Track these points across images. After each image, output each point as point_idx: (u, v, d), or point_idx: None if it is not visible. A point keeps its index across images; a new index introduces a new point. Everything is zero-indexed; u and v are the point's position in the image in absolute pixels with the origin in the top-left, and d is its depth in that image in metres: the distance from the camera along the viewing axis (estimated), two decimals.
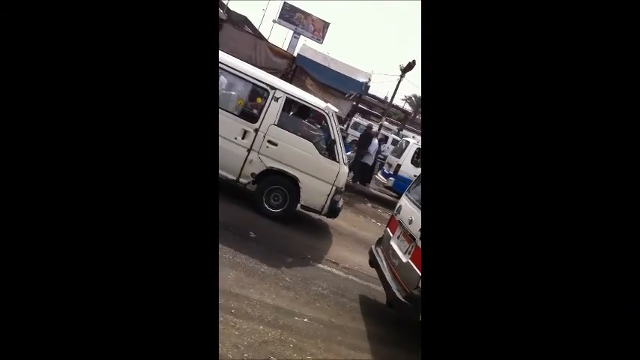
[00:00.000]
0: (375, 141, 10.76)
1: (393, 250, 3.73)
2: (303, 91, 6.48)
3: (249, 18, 14.64)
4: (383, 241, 4.17)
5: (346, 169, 5.79)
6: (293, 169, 5.52)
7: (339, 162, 5.58)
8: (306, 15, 22.58)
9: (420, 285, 3.11)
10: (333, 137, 5.60)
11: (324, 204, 5.60)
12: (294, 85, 7.28)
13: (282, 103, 5.52)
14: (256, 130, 5.46)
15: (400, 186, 10.29)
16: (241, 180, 5.57)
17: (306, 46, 13.39)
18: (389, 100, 18.87)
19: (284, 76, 9.16)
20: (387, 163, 11.15)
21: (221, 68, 5.54)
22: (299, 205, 5.69)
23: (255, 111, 5.69)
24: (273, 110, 5.48)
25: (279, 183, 5.59)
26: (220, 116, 5.35)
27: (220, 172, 5.48)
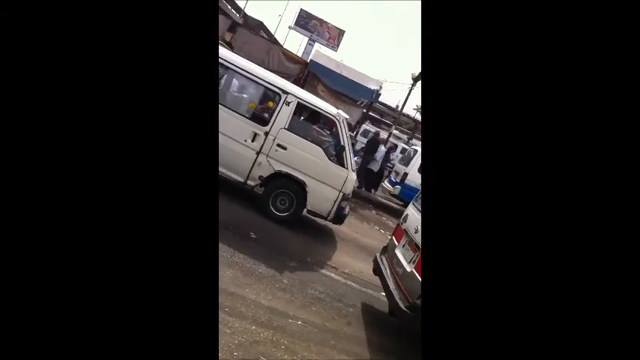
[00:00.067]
0: (382, 148, 10.75)
1: (398, 259, 3.71)
2: (315, 97, 6.49)
3: (265, 23, 14.77)
4: (388, 250, 4.15)
5: (354, 175, 5.78)
6: (301, 174, 5.52)
7: (347, 168, 5.57)
8: (322, 22, 22.69)
9: None
10: (342, 143, 5.60)
11: (331, 210, 5.59)
12: (306, 90, 7.31)
13: (294, 107, 5.53)
14: (266, 134, 5.47)
15: (406, 194, 10.25)
16: (249, 182, 5.57)
17: (319, 52, 13.46)
18: (400, 108, 18.86)
19: (296, 81, 9.20)
20: (395, 171, 11.13)
21: (234, 70, 5.58)
22: (305, 210, 5.68)
23: (266, 114, 5.70)
24: (284, 114, 5.49)
25: (287, 187, 5.59)
26: (231, 118, 5.43)
27: (228, 173, 5.50)
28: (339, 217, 5.72)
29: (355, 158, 8.05)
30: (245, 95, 6.05)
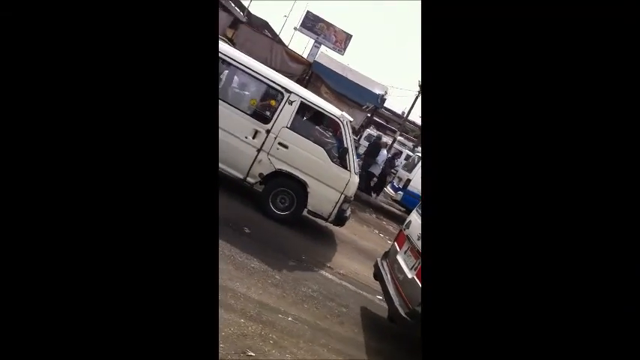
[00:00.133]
0: (384, 152, 10.71)
1: (399, 265, 3.68)
2: (319, 97, 6.45)
3: (269, 23, 14.82)
4: (389, 255, 4.11)
5: (357, 178, 5.73)
6: (302, 174, 5.47)
7: (350, 171, 5.53)
8: (329, 25, 22.71)
9: None
10: (345, 146, 5.56)
11: (332, 211, 5.54)
12: (309, 91, 7.26)
13: (297, 106, 5.49)
14: (268, 131, 5.43)
15: (408, 200, 10.20)
16: (249, 179, 5.52)
17: (323, 53, 13.48)
18: (405, 115, 18.86)
19: (299, 82, 9.21)
20: (398, 177, 11.10)
21: (236, 67, 5.55)
22: (306, 210, 5.64)
23: (268, 112, 5.66)
24: (286, 113, 5.45)
25: (287, 186, 5.54)
26: (232, 114, 5.38)
27: (228, 170, 5.46)
28: (340, 219, 5.67)
29: (357, 160, 8.03)
30: (247, 92, 6.03)
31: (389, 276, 3.80)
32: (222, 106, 5.31)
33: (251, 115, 5.53)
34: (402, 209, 10.77)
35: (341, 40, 23.51)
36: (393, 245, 4.14)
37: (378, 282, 5.05)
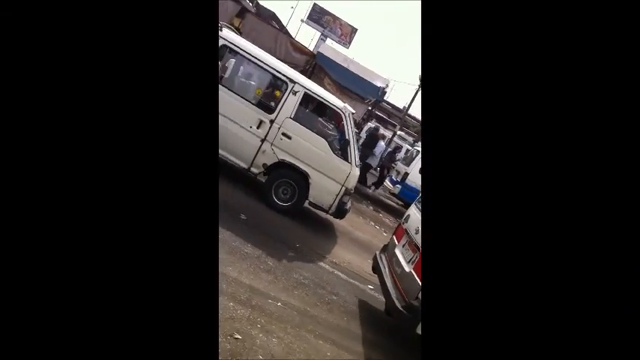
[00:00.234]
0: (382, 143, 10.66)
1: (397, 259, 3.68)
2: (322, 89, 6.40)
3: (277, 14, 14.74)
4: (388, 249, 4.12)
5: (357, 171, 5.72)
6: (304, 165, 5.46)
7: (350, 163, 5.51)
8: (335, 18, 22.66)
9: (419, 296, 3.07)
10: (347, 138, 5.54)
11: (332, 203, 5.54)
12: (312, 81, 7.26)
13: (300, 97, 5.46)
14: (272, 121, 5.40)
15: (406, 194, 10.21)
16: (252, 169, 5.51)
17: (326, 45, 13.42)
18: (406, 109, 18.78)
19: (302, 72, 9.17)
20: (396, 170, 11.10)
21: (243, 56, 5.50)
22: (307, 202, 5.63)
23: (272, 102, 5.63)
24: (290, 103, 5.42)
25: (290, 177, 5.53)
26: (237, 103, 5.35)
27: (233, 159, 5.44)
28: (340, 212, 5.66)
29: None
30: (253, 81, 6.00)
31: (387, 269, 3.80)
32: (229, 95, 5.28)
33: (256, 105, 5.50)
34: (400, 203, 10.77)
35: (346, 34, 23.43)
36: (391, 239, 4.15)
37: (372, 273, 5.09)
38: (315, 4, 22.32)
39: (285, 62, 7.24)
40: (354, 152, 5.57)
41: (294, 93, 5.44)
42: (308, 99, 5.75)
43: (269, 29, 9.68)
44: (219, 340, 2.61)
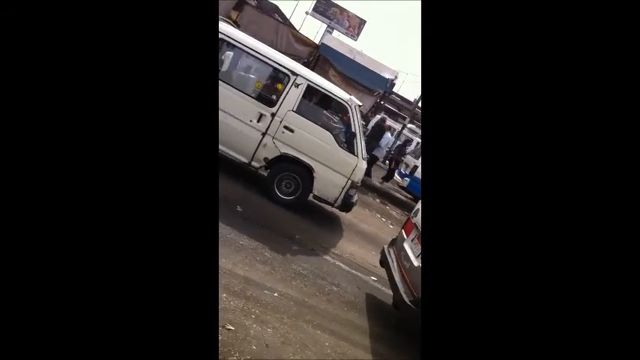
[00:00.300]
0: (388, 134, 10.50)
1: (406, 253, 3.65)
2: (326, 81, 6.27)
3: (280, 7, 14.69)
4: (396, 243, 4.07)
5: (364, 164, 5.61)
6: (308, 158, 5.35)
7: (357, 156, 5.40)
8: (342, 10, 22.48)
9: None
10: (353, 130, 5.42)
11: (338, 196, 5.43)
12: (316, 74, 7.19)
13: (303, 90, 5.35)
14: (273, 115, 5.30)
15: (415, 187, 10.09)
16: (253, 163, 5.42)
17: (331, 36, 13.33)
18: (415, 102, 18.62)
19: (305, 64, 9.11)
20: (405, 163, 10.99)
21: (241, 49, 5.41)
22: (311, 195, 5.54)
23: (274, 95, 5.52)
24: (292, 96, 5.32)
25: (293, 170, 5.43)
26: (236, 97, 5.25)
27: (232, 154, 5.36)
28: (346, 205, 5.56)
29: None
30: (252, 75, 5.94)
31: (395, 263, 3.78)
32: (226, 89, 5.18)
33: (256, 98, 5.40)
34: (409, 196, 10.68)
35: (354, 26, 23.25)
36: (400, 233, 4.10)
37: (375, 265, 5.04)
38: None
39: (287, 54, 7.19)
40: (360, 145, 5.45)
41: (297, 85, 5.33)
42: (312, 91, 5.63)
43: (269, 21, 9.61)
44: None
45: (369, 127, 11.93)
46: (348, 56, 11.11)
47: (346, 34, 22.08)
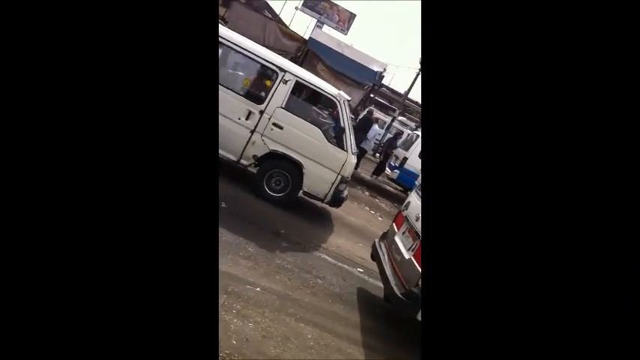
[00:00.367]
0: (376, 127, 10.42)
1: (397, 246, 3.65)
2: (315, 76, 6.23)
3: (269, 3, 14.61)
4: (387, 236, 4.07)
5: (354, 158, 5.60)
6: (298, 154, 5.34)
7: (346, 151, 5.38)
8: (332, 5, 22.36)
9: (419, 283, 3.07)
10: (342, 125, 5.40)
11: (328, 192, 5.42)
12: (305, 69, 7.01)
13: (291, 86, 5.31)
14: (261, 112, 5.26)
15: (404, 178, 10.11)
16: (242, 161, 5.39)
17: (319, 30, 13.28)
18: (409, 95, 18.62)
19: (294, 59, 9.07)
20: (395, 155, 11.00)
21: (228, 47, 5.34)
22: (301, 191, 5.52)
23: (262, 93, 5.46)
24: (280, 93, 5.28)
25: (282, 167, 5.40)
26: (224, 95, 5.18)
27: (220, 152, 5.29)
28: (336, 200, 5.55)
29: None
30: (240, 72, 5.90)
31: (386, 257, 3.79)
32: None
33: (244, 96, 5.35)
34: (399, 188, 10.70)
35: (344, 20, 23.12)
36: (391, 226, 4.11)
37: (362, 257, 5.06)
38: None
39: (275, 50, 7.14)
40: (350, 140, 5.44)
41: (285, 82, 5.28)
42: (300, 87, 5.59)
43: (257, 17, 9.54)
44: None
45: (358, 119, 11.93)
46: (337, 50, 11.07)
47: (336, 28, 21.95)
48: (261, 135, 5.33)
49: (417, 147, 10.41)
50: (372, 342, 3.42)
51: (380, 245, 4.04)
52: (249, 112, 5.30)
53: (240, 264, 3.58)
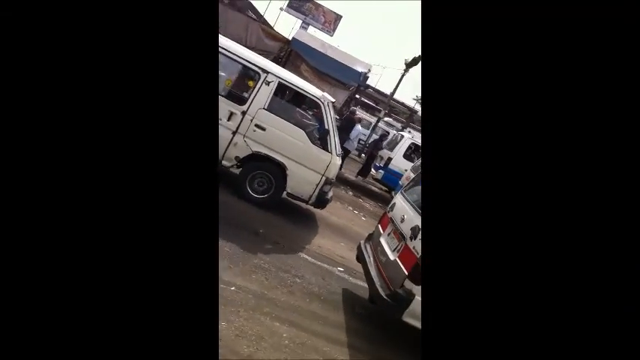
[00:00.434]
0: (359, 127, 10.36)
1: (382, 247, 3.64)
2: (298, 78, 6.18)
3: (253, 4, 14.55)
4: (373, 238, 4.06)
5: (338, 160, 5.55)
6: (281, 156, 5.27)
7: (331, 153, 5.34)
8: (317, 6, 22.41)
9: (404, 284, 3.06)
10: (327, 127, 5.35)
11: (312, 193, 5.37)
12: (288, 70, 6.95)
13: (274, 87, 5.25)
14: (243, 113, 5.19)
15: (389, 178, 10.13)
16: (224, 163, 5.30)
17: (302, 31, 13.27)
18: (396, 96, 18.68)
19: (276, 60, 9.03)
20: (380, 156, 11.02)
21: None
22: (285, 193, 5.46)
23: (244, 94, 5.40)
24: (263, 94, 5.21)
25: (265, 169, 5.33)
26: None
27: None
28: (321, 202, 5.50)
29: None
30: (221, 73, 5.86)
31: (371, 258, 3.77)
32: None
33: (226, 97, 5.27)
34: (383, 188, 10.72)
35: (330, 21, 23.20)
36: (376, 228, 4.10)
37: (343, 256, 5.04)
38: None
39: (257, 50, 7.10)
40: (334, 142, 5.39)
41: (268, 83, 5.22)
42: (283, 89, 5.54)
43: (239, 17, 9.47)
44: None
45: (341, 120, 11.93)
46: (320, 51, 11.04)
47: (322, 29, 22.03)
48: (244, 136, 5.26)
49: (401, 147, 10.44)
50: (352, 341, 3.36)
51: (365, 246, 4.03)
52: (231, 113, 5.22)
53: None
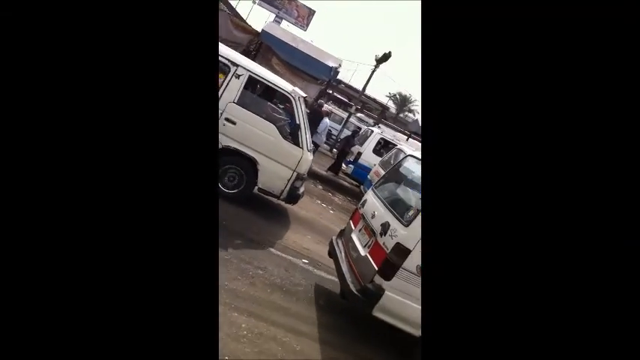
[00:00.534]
0: (326, 120, 10.28)
1: (353, 243, 3.66)
2: (269, 72, 6.08)
3: None
4: (344, 234, 4.06)
5: (310, 155, 5.50)
6: (252, 151, 5.18)
7: (302, 148, 5.28)
8: (290, 0, 22.32)
9: (374, 279, 3.09)
10: (298, 122, 5.29)
11: (284, 189, 5.31)
12: (259, 63, 6.83)
13: (244, 81, 5.14)
14: None
15: (358, 173, 10.19)
16: None
17: (272, 24, 13.18)
18: (368, 92, 18.78)
19: (246, 52, 8.94)
20: (351, 151, 11.05)
21: None
22: (256, 188, 5.38)
23: None
24: (233, 87, 5.09)
25: (236, 163, 5.24)
26: None
27: None
28: (292, 197, 5.45)
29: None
30: None
31: (343, 254, 3.79)
32: None
33: None
34: (354, 182, 10.77)
35: (303, 16, 23.10)
36: (348, 224, 4.11)
37: (308, 248, 5.04)
38: None
39: (226, 42, 7.00)
40: (305, 137, 5.33)
41: (237, 77, 5.11)
42: (254, 82, 5.43)
43: None
44: None
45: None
46: (291, 44, 11.00)
47: (295, 24, 21.92)
48: None
49: (371, 142, 10.51)
50: (311, 331, 3.35)
51: (337, 242, 4.05)
52: None
53: None
